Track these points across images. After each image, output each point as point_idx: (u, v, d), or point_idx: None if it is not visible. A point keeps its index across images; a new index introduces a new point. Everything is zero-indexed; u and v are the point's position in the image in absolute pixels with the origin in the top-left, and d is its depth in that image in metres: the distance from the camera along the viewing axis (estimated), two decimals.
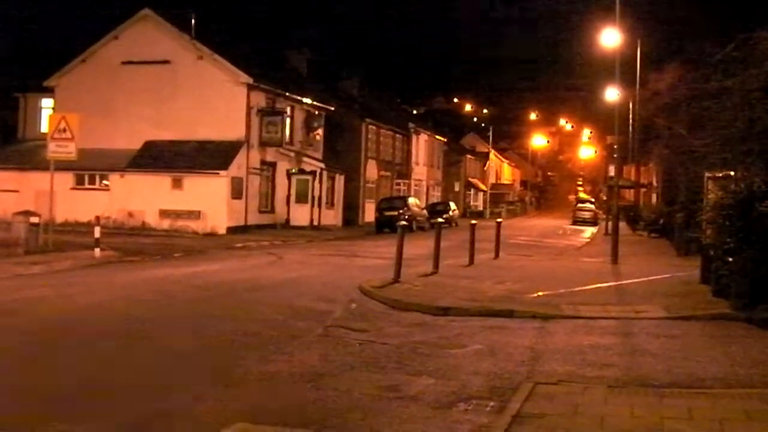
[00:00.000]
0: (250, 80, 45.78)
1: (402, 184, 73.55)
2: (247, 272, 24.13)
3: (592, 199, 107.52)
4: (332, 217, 54.27)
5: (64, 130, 28.67)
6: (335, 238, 44.32)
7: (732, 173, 19.00)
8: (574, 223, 77.23)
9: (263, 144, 47.38)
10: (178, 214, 43.41)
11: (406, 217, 47.09)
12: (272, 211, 49.06)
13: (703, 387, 9.99)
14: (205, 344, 12.79)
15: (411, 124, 77.67)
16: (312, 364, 11.27)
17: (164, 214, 43.71)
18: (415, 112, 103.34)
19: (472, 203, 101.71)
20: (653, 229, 47.52)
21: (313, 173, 50.68)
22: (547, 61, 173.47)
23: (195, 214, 43.13)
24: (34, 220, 27.89)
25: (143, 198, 43.78)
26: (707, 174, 21.33)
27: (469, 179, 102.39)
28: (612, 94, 45.04)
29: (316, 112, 54.95)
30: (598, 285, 20.88)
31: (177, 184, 43.88)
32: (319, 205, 50.82)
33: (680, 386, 10.02)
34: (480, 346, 12.79)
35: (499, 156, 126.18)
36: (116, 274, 22.68)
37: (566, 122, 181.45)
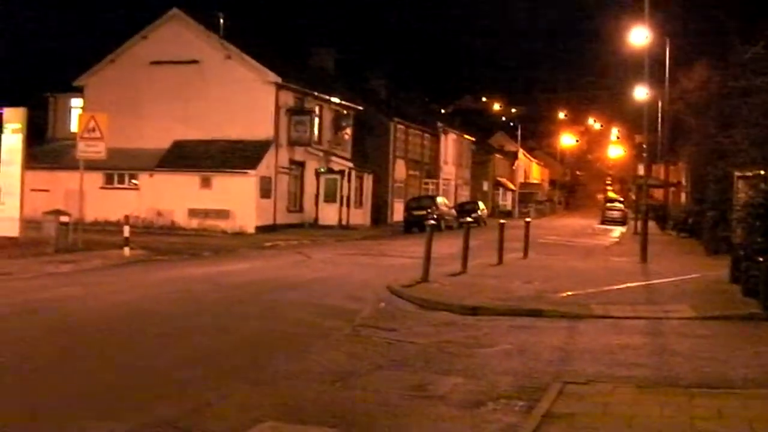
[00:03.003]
0: (279, 79, 45.85)
1: (430, 183, 73.45)
2: (276, 271, 24.18)
3: (621, 199, 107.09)
4: (361, 216, 54.26)
5: (94, 130, 28.82)
6: (363, 238, 44.31)
7: (762, 172, 18.89)
8: (603, 222, 76.80)
9: (292, 143, 47.44)
10: (206, 214, 43.52)
11: (435, 216, 47.06)
12: (301, 210, 49.11)
13: (733, 387, 9.92)
14: (233, 343, 12.83)
15: (439, 124, 77.55)
16: (340, 363, 11.28)
17: (193, 213, 43.84)
18: (443, 111, 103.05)
19: (500, 202, 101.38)
20: (682, 229, 47.29)
21: (341, 172, 50.71)
22: (576, 60, 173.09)
23: (224, 214, 43.25)
24: (64, 219, 28.05)
25: (172, 197, 43.92)
26: (737, 173, 21.22)
27: (498, 178, 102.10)
28: (641, 92, 44.88)
29: (345, 112, 54.97)
30: (627, 284, 20.79)
31: (206, 183, 44.01)
32: (348, 205, 50.84)
33: (710, 386, 9.95)
34: (509, 345, 12.77)
35: (527, 155, 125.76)
36: (145, 273, 22.79)
37: (595, 121, 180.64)
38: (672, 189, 67.20)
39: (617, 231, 62.71)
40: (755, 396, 9.47)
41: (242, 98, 45.26)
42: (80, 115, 32.40)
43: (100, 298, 17.41)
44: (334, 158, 51.33)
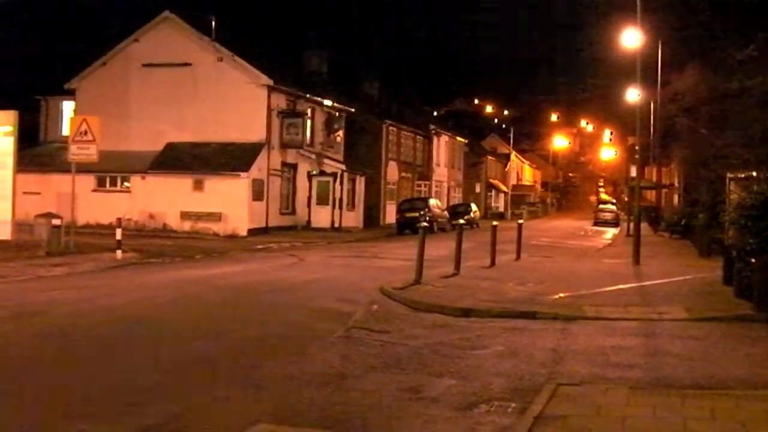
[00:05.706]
0: (271, 82, 45.85)
1: (423, 185, 73.50)
2: (268, 274, 24.16)
3: (614, 200, 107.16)
4: (353, 218, 54.27)
5: (86, 133, 28.82)
6: (356, 240, 44.30)
7: (754, 173, 18.92)
8: (596, 224, 76.94)
9: (284, 146, 47.46)
10: (199, 216, 43.48)
11: (428, 218, 47.02)
12: (293, 212, 49.11)
13: (725, 388, 9.93)
14: (226, 346, 12.80)
15: (432, 126, 77.61)
16: (333, 365, 11.26)
17: (185, 215, 43.79)
18: (435, 113, 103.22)
19: (493, 204, 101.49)
20: (675, 230, 47.27)
21: (333, 175, 50.69)
22: (567, 62, 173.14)
23: (216, 216, 43.21)
24: (56, 222, 28.04)
25: (164, 200, 43.89)
26: (729, 174, 21.21)
27: (490, 181, 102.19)
28: (633, 95, 44.89)
29: (337, 114, 54.96)
30: (620, 286, 20.80)
31: (198, 185, 43.98)
32: (340, 207, 50.81)
33: (702, 387, 9.97)
34: (502, 347, 12.75)
35: (520, 157, 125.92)
36: (138, 276, 22.75)
37: (587, 123, 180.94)
38: (665, 190, 67.29)
39: (610, 233, 62.69)
40: (748, 397, 9.48)
41: (234, 101, 45.29)
42: (72, 118, 32.39)
43: (93, 302, 17.36)
44: (326, 160, 51.33)
